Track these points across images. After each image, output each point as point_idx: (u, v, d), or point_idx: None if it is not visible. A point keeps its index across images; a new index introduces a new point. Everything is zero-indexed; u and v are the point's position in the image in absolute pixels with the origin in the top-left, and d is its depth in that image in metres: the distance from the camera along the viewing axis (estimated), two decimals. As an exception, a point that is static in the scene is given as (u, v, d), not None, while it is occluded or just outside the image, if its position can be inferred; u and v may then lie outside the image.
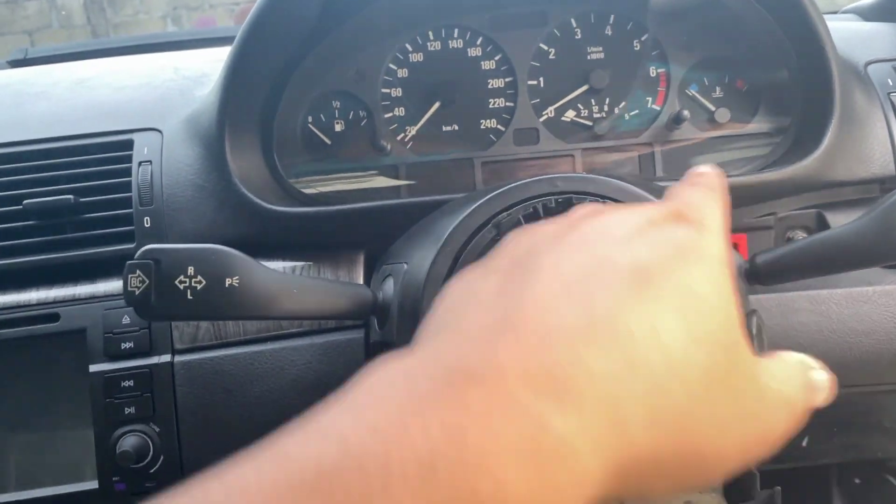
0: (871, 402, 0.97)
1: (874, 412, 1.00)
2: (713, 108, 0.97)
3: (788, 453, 1.05)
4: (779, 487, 0.70)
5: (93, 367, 0.84)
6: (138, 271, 0.60)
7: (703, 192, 0.45)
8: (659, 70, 0.98)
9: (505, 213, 0.64)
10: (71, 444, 0.86)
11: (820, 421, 0.99)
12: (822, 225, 0.93)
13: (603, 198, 0.63)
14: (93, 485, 0.84)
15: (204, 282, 0.60)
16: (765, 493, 0.72)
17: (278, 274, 0.64)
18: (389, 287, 0.71)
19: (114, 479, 0.84)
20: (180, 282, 0.60)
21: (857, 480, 1.46)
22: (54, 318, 0.86)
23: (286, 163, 0.98)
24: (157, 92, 1.02)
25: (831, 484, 1.48)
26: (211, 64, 1.09)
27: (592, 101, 0.98)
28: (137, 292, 0.60)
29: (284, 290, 0.64)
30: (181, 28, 5.13)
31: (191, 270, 0.60)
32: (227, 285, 0.61)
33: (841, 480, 1.48)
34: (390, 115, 0.99)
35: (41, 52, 1.55)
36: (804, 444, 1.04)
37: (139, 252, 0.61)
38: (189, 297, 0.60)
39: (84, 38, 4.98)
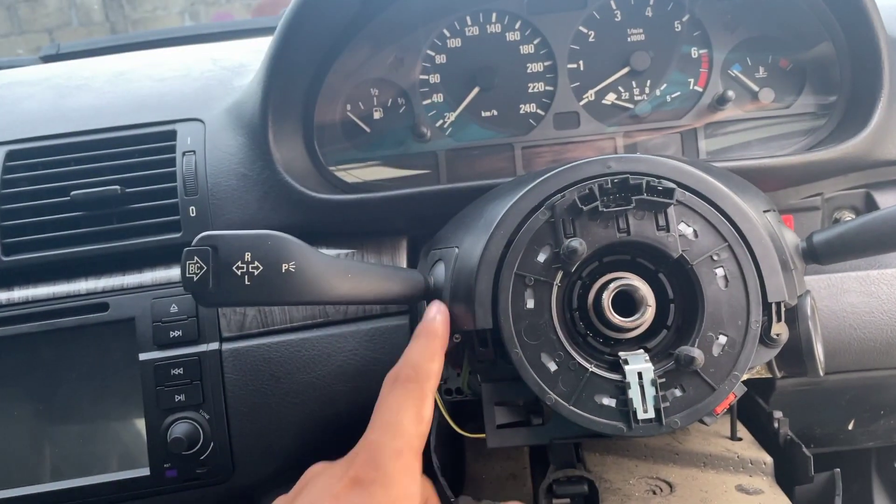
0: (921, 384, 0.96)
1: (923, 394, 0.99)
2: (757, 89, 0.95)
3: (835, 437, 1.05)
4: (838, 470, 0.69)
5: (143, 356, 0.85)
6: (196, 258, 0.61)
7: (423, 347, 0.58)
8: (700, 51, 0.97)
9: (559, 196, 0.64)
10: (122, 432, 0.87)
11: (868, 403, 0.99)
12: (871, 205, 0.92)
13: (657, 177, 0.63)
14: (144, 472, 0.85)
15: (261, 267, 0.61)
16: (824, 475, 0.72)
17: (333, 259, 0.64)
18: (441, 272, 0.71)
19: (165, 465, 0.85)
20: (238, 268, 0.60)
21: (896, 464, 1.45)
22: (104, 307, 0.87)
23: (326, 151, 0.98)
24: (197, 83, 1.02)
25: (871, 468, 1.47)
26: (249, 54, 1.10)
27: (633, 83, 0.97)
28: (196, 278, 0.60)
29: (340, 274, 0.64)
30: (199, 23, 5.15)
31: (248, 256, 0.61)
32: (283, 270, 0.61)
33: (880, 465, 1.47)
34: (429, 101, 0.99)
35: (73, 46, 1.56)
36: (850, 427, 1.03)
37: (196, 239, 0.61)
38: (247, 282, 0.60)
39: (103, 35, 5.02)
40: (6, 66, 1.44)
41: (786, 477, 0.81)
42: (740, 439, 0.87)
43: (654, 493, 0.81)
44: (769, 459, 0.82)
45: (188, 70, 1.06)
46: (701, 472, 0.84)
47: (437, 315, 0.64)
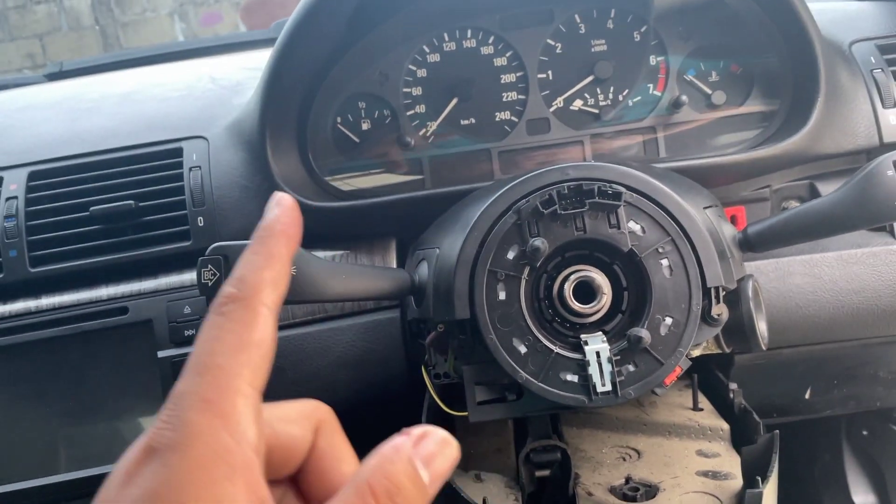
0: (866, 355, 1.06)
1: (870, 364, 1.09)
2: (710, 92, 1.05)
3: (793, 406, 1.15)
4: (777, 431, 0.78)
5: (161, 354, 0.95)
6: (210, 266, 0.70)
7: (251, 254, 0.40)
8: (658, 59, 1.06)
9: (524, 201, 0.73)
10: (145, 423, 0.97)
11: (821, 374, 1.09)
12: (815, 194, 1.01)
13: (609, 182, 0.72)
14: (166, 458, 0.94)
15: (267, 272, 0.70)
16: (765, 437, 0.81)
17: (328, 262, 0.74)
18: (424, 270, 0.81)
19: (185, 451, 0.94)
20: (246, 273, 0.70)
21: (864, 432, 1.55)
22: (124, 311, 0.96)
23: (320, 162, 1.07)
24: (198, 102, 1.11)
25: (841, 436, 1.56)
26: (243, 72, 1.19)
27: (598, 90, 1.07)
28: (210, 284, 0.70)
29: (335, 276, 0.73)
30: (188, 24, 5.20)
31: (255, 263, 0.70)
32: (286, 274, 0.70)
33: (850, 433, 1.57)
34: (412, 112, 1.08)
35: (76, 64, 1.65)
36: (807, 396, 1.13)
37: (209, 250, 0.70)
38: (254, 286, 0.70)
39: (93, 39, 5.07)
40: (13, 86, 1.53)
41: (740, 441, 0.90)
42: (702, 409, 0.97)
43: (624, 459, 0.91)
44: (726, 426, 0.92)
45: (189, 90, 1.15)
46: (666, 440, 0.94)
47: (274, 209, 0.41)
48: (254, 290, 0.38)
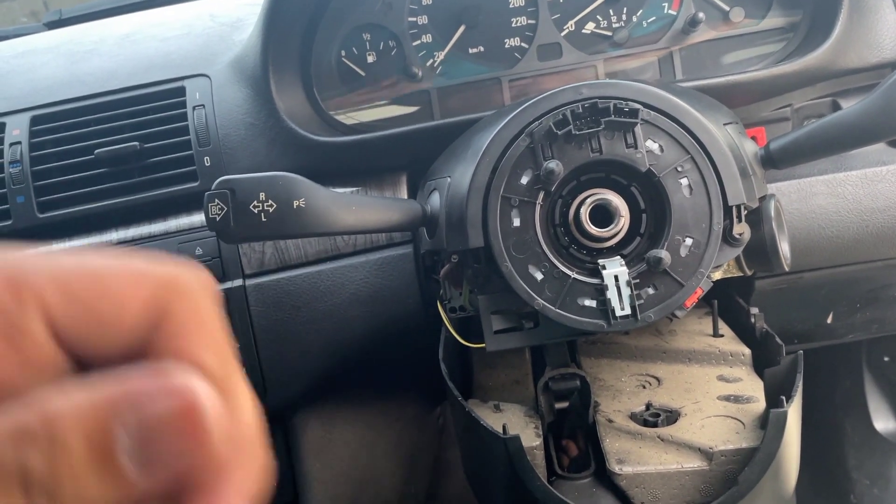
0: (890, 276, 1.03)
1: (894, 285, 1.06)
2: (727, 8, 1.00)
3: (815, 332, 1.13)
4: (801, 351, 0.77)
5: (174, 296, 0.94)
6: (217, 200, 0.68)
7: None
8: (673, -25, 1.02)
9: (536, 123, 0.71)
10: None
11: (843, 297, 1.07)
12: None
13: (625, 100, 0.69)
14: (184, 398, 0.95)
15: (275, 205, 0.68)
16: (789, 358, 0.80)
17: (339, 193, 0.72)
18: (436, 200, 0.79)
19: (204, 391, 0.94)
20: (254, 206, 0.68)
21: (886, 358, 1.54)
22: (135, 254, 0.95)
23: (325, 96, 1.04)
24: (198, 40, 1.08)
25: (861, 362, 1.55)
26: (243, 7, 1.15)
27: (611, 10, 1.02)
28: (218, 219, 0.68)
29: (345, 207, 0.72)
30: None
31: (262, 196, 0.68)
32: (295, 207, 0.69)
33: (870, 359, 1.56)
34: (418, 42, 1.04)
35: (74, 11, 1.61)
36: (829, 321, 1.12)
37: (215, 183, 0.69)
38: (263, 219, 0.68)
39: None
40: (13, 36, 1.50)
41: (762, 366, 0.89)
42: (722, 336, 0.96)
43: (644, 387, 0.90)
44: (747, 351, 0.91)
45: (189, 28, 1.12)
46: (686, 367, 0.93)
47: None
48: None
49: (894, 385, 1.51)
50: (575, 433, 0.87)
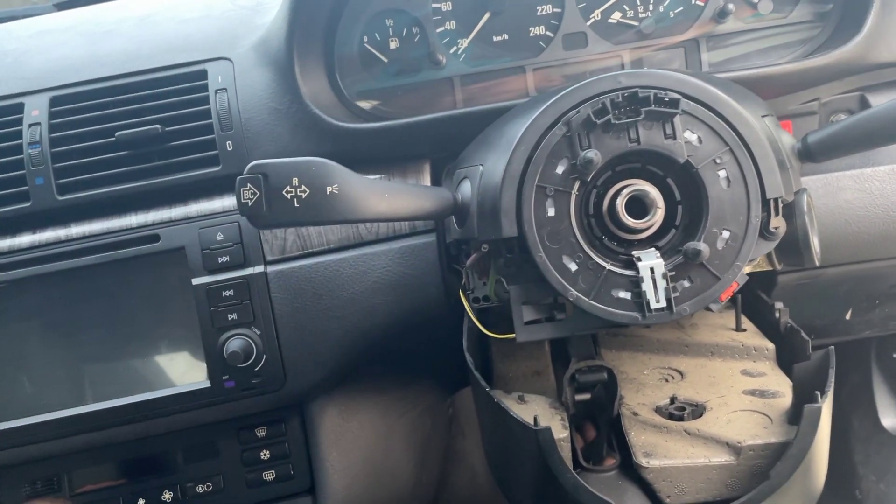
0: (914, 273, 1.03)
1: (916, 283, 1.06)
2: (756, 0, 0.99)
3: (833, 327, 1.13)
4: (832, 347, 0.77)
5: (195, 281, 0.93)
6: (249, 185, 0.67)
7: None
8: (701, -35, 1.01)
9: (574, 111, 0.70)
10: (181, 350, 0.96)
11: (863, 294, 1.07)
12: (866, 107, 0.97)
13: (665, 90, 0.69)
14: (205, 384, 0.94)
15: (308, 191, 0.67)
16: (819, 353, 0.79)
17: (371, 180, 0.71)
18: (467, 188, 0.78)
19: (223, 377, 0.94)
20: (287, 192, 0.67)
21: (895, 355, 1.54)
22: (155, 238, 0.94)
23: (348, 82, 1.03)
24: (218, 22, 1.07)
25: (870, 359, 1.55)
26: (262, -9, 1.14)
27: (638, 0, 1.01)
28: (251, 203, 0.67)
29: (378, 194, 0.71)
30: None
31: (295, 181, 0.67)
32: (328, 193, 0.68)
33: (879, 356, 1.56)
34: (442, 28, 1.03)
35: (84, -8, 1.60)
36: (848, 316, 1.11)
37: (248, 167, 0.68)
38: (296, 205, 0.67)
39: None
40: (22, 16, 1.48)
41: (786, 360, 0.88)
42: (744, 330, 0.95)
43: (667, 380, 0.90)
44: (771, 346, 0.90)
45: (208, 10, 1.11)
46: (709, 361, 0.92)
47: None
48: None
49: (903, 382, 1.51)
50: (597, 426, 0.87)
